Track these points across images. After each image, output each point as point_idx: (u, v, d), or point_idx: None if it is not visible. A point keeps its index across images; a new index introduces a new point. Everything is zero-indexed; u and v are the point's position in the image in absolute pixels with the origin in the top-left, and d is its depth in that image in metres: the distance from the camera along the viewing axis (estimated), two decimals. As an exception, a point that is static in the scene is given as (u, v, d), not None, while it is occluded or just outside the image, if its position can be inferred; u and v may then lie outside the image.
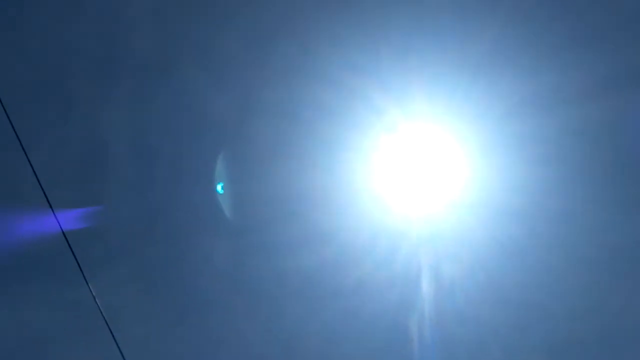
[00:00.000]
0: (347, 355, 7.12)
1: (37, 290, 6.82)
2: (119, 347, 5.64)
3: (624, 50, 6.38)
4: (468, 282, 6.98)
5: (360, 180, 6.91)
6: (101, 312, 5.66)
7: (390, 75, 6.56)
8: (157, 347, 7.05)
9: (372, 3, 6.46)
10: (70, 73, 6.63)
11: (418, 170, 6.92)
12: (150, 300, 7.15)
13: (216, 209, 6.94)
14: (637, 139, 6.52)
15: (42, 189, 5.35)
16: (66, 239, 5.41)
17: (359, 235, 6.92)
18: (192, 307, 7.20)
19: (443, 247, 6.96)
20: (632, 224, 6.71)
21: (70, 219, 6.44)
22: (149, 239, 7.08)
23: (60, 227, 5.45)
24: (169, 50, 6.61)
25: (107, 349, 5.69)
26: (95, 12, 6.45)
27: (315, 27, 6.53)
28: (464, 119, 6.66)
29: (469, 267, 6.96)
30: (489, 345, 7.07)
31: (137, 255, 7.09)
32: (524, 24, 6.39)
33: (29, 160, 5.41)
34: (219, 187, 6.78)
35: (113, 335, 5.63)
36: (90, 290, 5.61)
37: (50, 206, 5.39)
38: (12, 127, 5.42)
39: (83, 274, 5.49)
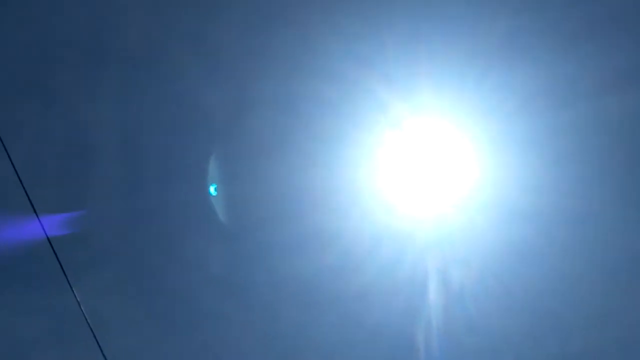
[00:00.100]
0: (348, 367, 7.14)
1: (19, 296, 6.79)
2: (104, 357, 5.69)
3: (647, 39, 6.36)
4: (478, 288, 6.97)
5: (362, 179, 6.85)
6: (86, 319, 5.64)
7: (395, 67, 6.50)
8: (145, 357, 7.07)
9: (375, -12, 6.44)
10: (52, 64, 6.52)
11: (425, 169, 6.87)
12: (138, 307, 7.14)
13: (209, 209, 6.93)
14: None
15: (25, 190, 5.27)
16: (49, 242, 5.40)
17: (361, 237, 6.90)
18: (182, 315, 7.20)
19: (452, 251, 6.94)
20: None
21: (53, 221, 6.42)
22: (137, 242, 7.06)
23: (44, 230, 5.44)
24: (158, 40, 6.51)
25: (92, 358, 5.71)
26: (78, -2, 6.37)
27: (315, 14, 6.44)
28: (474, 114, 6.59)
29: (480, 273, 6.94)
30: (501, 356, 7.08)
31: (124, 260, 7.09)
32: (539, 10, 6.29)
33: (10, 159, 5.33)
34: (211, 189, 6.79)
35: (98, 344, 5.66)
36: (75, 296, 5.60)
37: (34, 208, 5.31)
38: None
39: (67, 279, 5.49)
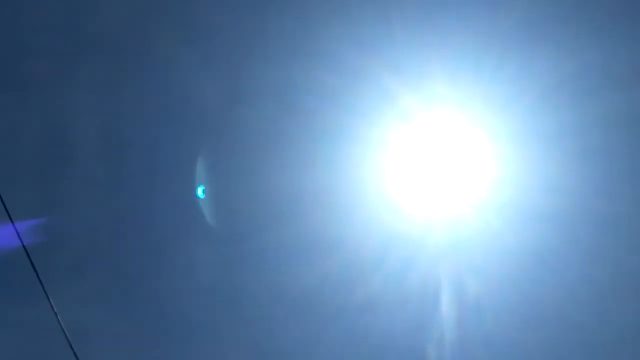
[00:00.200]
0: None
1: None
2: (83, 372, 5.54)
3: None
4: (495, 298, 6.95)
5: (368, 178, 6.81)
6: (64, 332, 5.48)
7: (404, 54, 6.42)
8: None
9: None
10: (25, 50, 6.38)
11: (436, 167, 6.82)
12: (121, 318, 7.10)
13: (199, 211, 6.87)
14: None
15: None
16: (25, 249, 5.18)
17: (367, 243, 6.86)
18: (169, 328, 7.17)
19: (466, 257, 6.90)
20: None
21: (28, 226, 6.27)
22: (120, 248, 7.03)
23: (18, 236, 5.20)
24: (143, 24, 6.37)
25: (70, 374, 5.52)
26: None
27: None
28: (491, 106, 6.52)
29: (497, 281, 6.92)
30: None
31: (106, 267, 7.07)
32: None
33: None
34: (199, 191, 6.76)
35: (77, 359, 5.52)
36: (52, 306, 5.40)
37: (7, 212, 5.03)
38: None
39: (43, 287, 5.28)
